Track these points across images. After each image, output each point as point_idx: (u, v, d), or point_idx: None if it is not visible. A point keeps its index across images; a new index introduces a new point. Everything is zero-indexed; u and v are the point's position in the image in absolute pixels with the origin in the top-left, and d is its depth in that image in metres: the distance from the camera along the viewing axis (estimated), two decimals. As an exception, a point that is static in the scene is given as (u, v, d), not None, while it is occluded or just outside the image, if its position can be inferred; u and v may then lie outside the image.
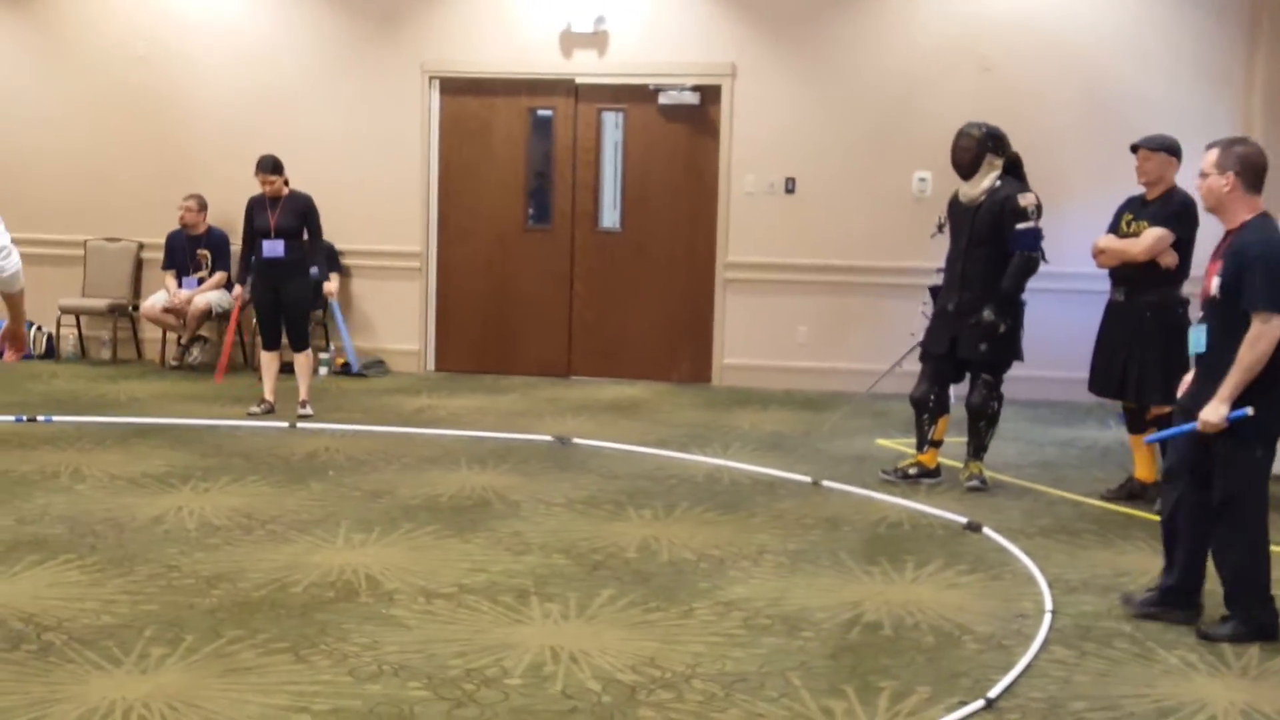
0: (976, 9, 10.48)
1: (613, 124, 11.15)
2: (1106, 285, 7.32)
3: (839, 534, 6.52)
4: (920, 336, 7.74)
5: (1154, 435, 5.84)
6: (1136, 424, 7.26)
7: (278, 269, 9.03)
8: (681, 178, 10.98)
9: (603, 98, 11.05)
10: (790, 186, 10.76)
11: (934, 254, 9.30)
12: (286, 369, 9.74)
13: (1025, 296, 7.42)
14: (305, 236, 9.14)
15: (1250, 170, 5.08)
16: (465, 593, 5.45)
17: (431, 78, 11.11)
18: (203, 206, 11.04)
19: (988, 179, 7.37)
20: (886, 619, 5.26)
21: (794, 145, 10.73)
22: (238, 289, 9.43)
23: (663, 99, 10.86)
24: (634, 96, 10.96)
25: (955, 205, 7.52)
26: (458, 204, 11.26)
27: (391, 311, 11.32)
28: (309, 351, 9.32)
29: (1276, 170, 6.32)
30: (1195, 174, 5.27)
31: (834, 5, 10.64)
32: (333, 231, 11.25)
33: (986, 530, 6.57)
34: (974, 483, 7.46)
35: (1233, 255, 5.05)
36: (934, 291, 7.68)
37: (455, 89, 11.16)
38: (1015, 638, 5.09)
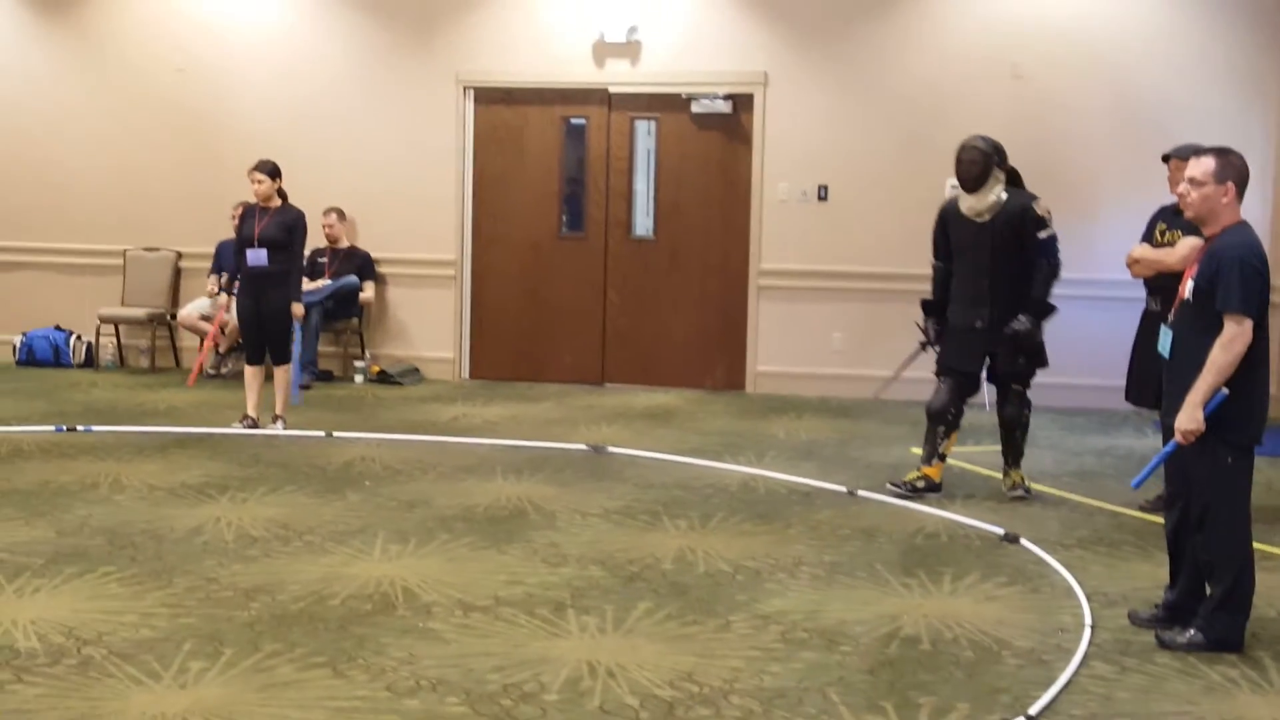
0: (1007, 17, 10.45)
1: (645, 132, 11.16)
2: (1142, 293, 7.30)
3: (875, 545, 6.50)
4: (922, 348, 7.74)
5: (1141, 474, 5.70)
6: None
7: (260, 280, 8.76)
8: (714, 185, 10.99)
9: (636, 106, 11.07)
10: (823, 194, 10.75)
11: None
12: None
13: (1054, 302, 7.42)
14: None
15: (1244, 182, 5.13)
16: (502, 605, 5.47)
17: (466, 88, 11.15)
18: None
19: (994, 192, 7.35)
20: (925, 632, 5.25)
21: (826, 153, 10.72)
22: (224, 297, 9.20)
23: (695, 107, 10.87)
24: (667, 105, 10.97)
25: (959, 220, 7.45)
26: (492, 212, 11.29)
27: (426, 319, 11.37)
28: (289, 366, 9.06)
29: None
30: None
31: (865, 13, 10.62)
32: (368, 240, 11.38)
33: (1024, 541, 6.55)
34: (1018, 491, 7.45)
35: (1210, 258, 5.06)
36: (927, 306, 7.65)
37: (489, 99, 11.19)
38: (1055, 652, 5.06)
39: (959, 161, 7.42)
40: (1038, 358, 7.45)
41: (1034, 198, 7.37)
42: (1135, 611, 5.47)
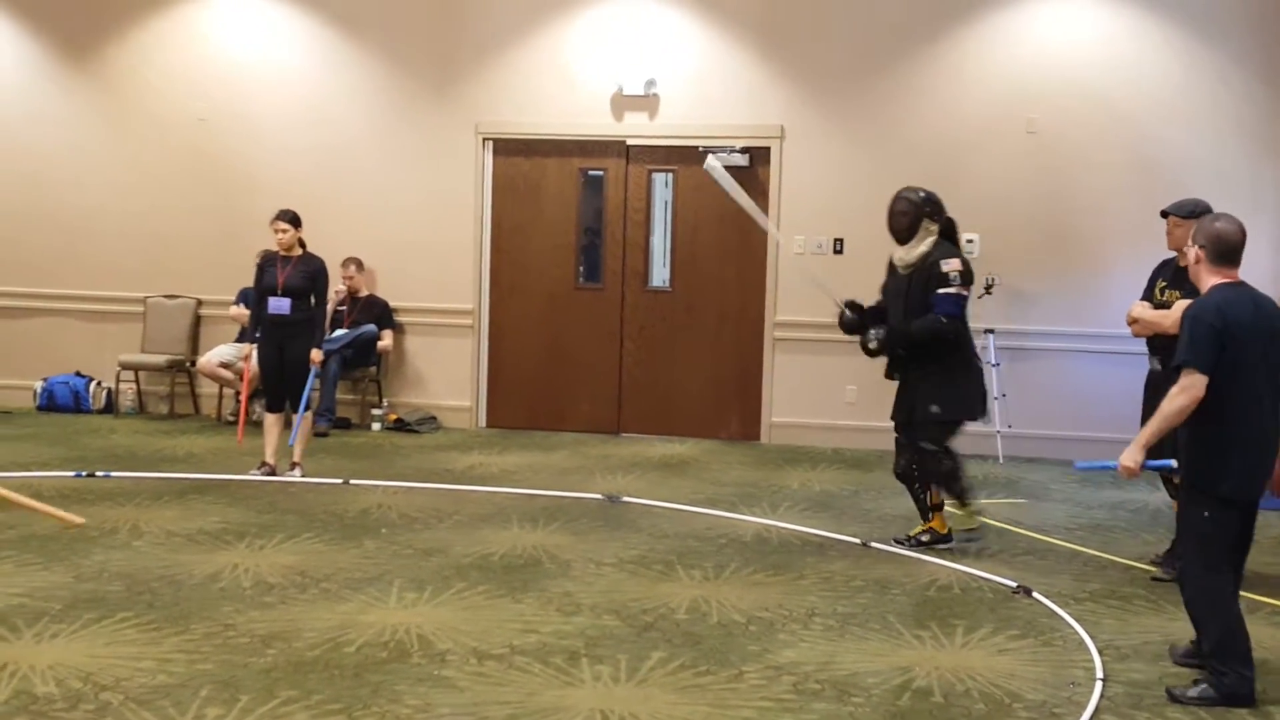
0: (1023, 71, 10.54)
1: (663, 184, 11.26)
2: (1154, 347, 7.33)
3: (888, 597, 6.52)
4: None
5: (1090, 464, 5.93)
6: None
7: (283, 328, 8.84)
8: (730, 238, 11.06)
9: (653, 159, 11.17)
10: (839, 247, 10.82)
11: (983, 315, 9.38)
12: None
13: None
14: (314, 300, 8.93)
15: (1216, 247, 5.16)
16: (516, 654, 5.50)
17: (485, 139, 11.27)
18: None
19: (924, 244, 7.30)
20: (937, 685, 5.26)
21: (842, 206, 10.79)
22: (247, 346, 9.26)
23: (712, 160, 10.95)
24: (684, 158, 11.07)
25: (891, 269, 7.49)
26: (510, 262, 11.39)
27: (444, 368, 11.44)
28: (309, 414, 9.13)
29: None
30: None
31: (881, 68, 10.73)
32: (387, 288, 11.47)
33: (1036, 594, 6.56)
34: (910, 543, 7.44)
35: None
36: (854, 305, 7.67)
37: (508, 150, 11.31)
38: (1067, 706, 5.08)
39: (889, 214, 7.41)
40: (952, 407, 7.29)
41: (955, 253, 7.30)
42: (1174, 645, 5.58)
